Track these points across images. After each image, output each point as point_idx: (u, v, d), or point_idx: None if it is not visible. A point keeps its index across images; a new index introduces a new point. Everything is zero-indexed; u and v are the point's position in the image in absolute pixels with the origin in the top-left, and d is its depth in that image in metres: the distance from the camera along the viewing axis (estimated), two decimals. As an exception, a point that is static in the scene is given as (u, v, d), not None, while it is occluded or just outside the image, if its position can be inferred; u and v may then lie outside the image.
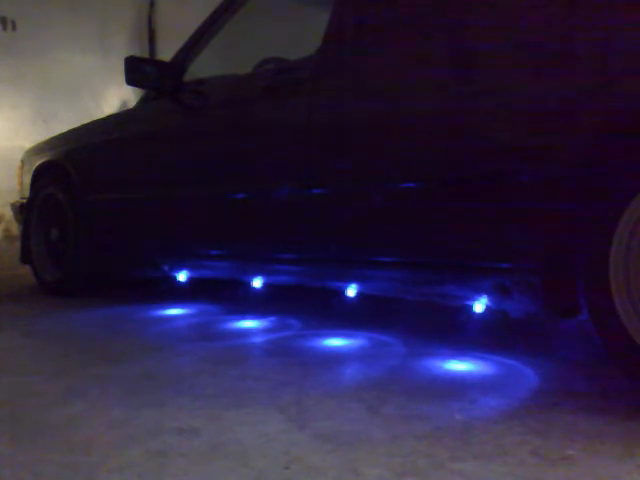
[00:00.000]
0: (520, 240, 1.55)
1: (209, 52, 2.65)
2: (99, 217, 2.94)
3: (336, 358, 1.87)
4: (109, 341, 2.17)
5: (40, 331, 2.36)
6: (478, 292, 1.73)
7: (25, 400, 1.52)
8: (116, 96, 5.47)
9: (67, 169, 3.06)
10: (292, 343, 2.06)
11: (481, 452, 1.15)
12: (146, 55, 5.48)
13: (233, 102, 2.36)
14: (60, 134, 3.36)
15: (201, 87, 2.52)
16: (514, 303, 1.63)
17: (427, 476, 1.06)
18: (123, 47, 5.43)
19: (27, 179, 3.37)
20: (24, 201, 3.39)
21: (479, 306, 1.79)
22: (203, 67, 2.69)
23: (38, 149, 3.42)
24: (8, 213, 4.27)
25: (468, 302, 1.82)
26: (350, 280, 2.11)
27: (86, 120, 3.47)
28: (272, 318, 2.47)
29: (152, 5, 5.69)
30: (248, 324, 2.41)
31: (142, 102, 2.90)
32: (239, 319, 2.47)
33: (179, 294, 2.99)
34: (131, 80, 2.52)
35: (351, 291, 2.15)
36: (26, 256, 3.29)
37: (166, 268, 2.82)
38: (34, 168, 3.30)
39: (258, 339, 2.18)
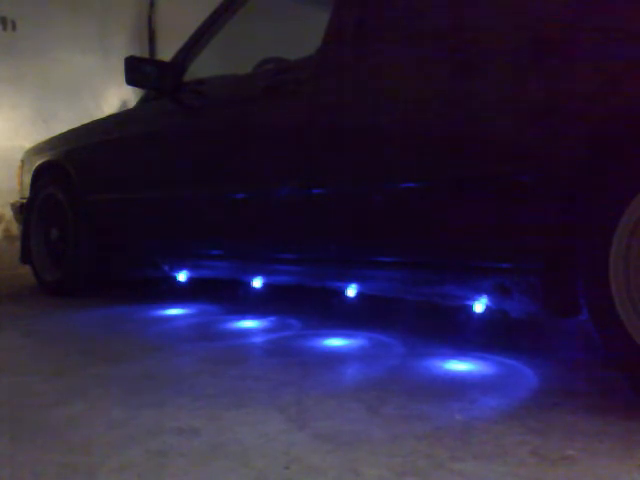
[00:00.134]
0: (520, 240, 1.55)
1: (209, 52, 2.65)
2: (99, 217, 2.94)
3: (336, 358, 1.87)
4: (109, 341, 2.17)
5: (40, 331, 2.36)
6: (478, 292, 1.73)
7: (25, 400, 1.52)
8: (116, 96, 5.47)
9: (67, 169, 3.06)
10: (292, 343, 2.06)
11: (481, 452, 1.15)
12: (146, 55, 5.47)
13: (233, 102, 2.36)
14: (60, 134, 3.36)
15: (201, 87, 2.52)
16: (514, 303, 1.63)
17: (427, 476, 1.06)
18: (123, 47, 5.43)
19: (27, 179, 3.37)
20: (24, 201, 3.39)
21: (479, 306, 1.79)
22: (203, 67, 2.69)
23: (38, 149, 3.42)
24: (8, 213, 4.27)
25: (468, 302, 1.82)
26: (350, 280, 2.11)
27: (86, 120, 3.47)
28: (272, 318, 2.47)
29: (152, 5, 5.68)
30: (248, 324, 2.41)
31: (142, 102, 2.90)
32: (239, 319, 2.47)
33: (179, 294, 2.99)
34: (131, 80, 2.52)
35: (351, 291, 2.15)
36: (26, 256, 3.29)
37: (166, 268, 2.82)
38: (34, 168, 3.30)
39: (258, 339, 2.18)
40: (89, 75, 5.36)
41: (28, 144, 3.99)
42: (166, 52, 4.43)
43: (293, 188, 2.06)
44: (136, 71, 2.51)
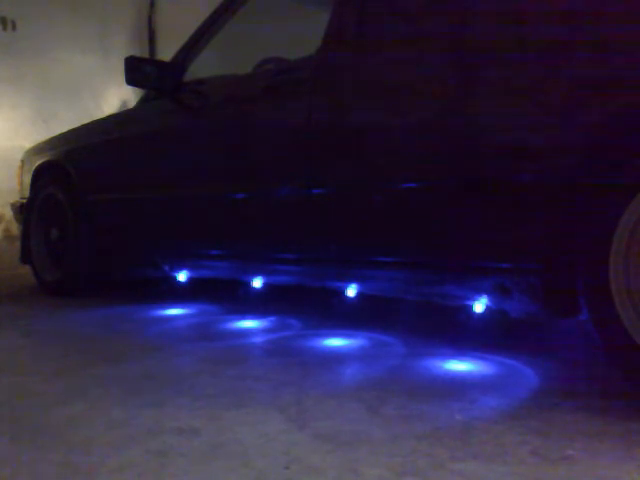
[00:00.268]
0: (520, 240, 1.55)
1: (209, 52, 2.65)
2: (99, 217, 2.94)
3: (336, 358, 1.87)
4: (109, 341, 2.17)
5: (40, 331, 2.36)
6: (478, 292, 1.73)
7: (25, 400, 1.52)
8: (116, 96, 5.47)
9: (67, 169, 3.06)
10: (292, 343, 2.06)
11: (481, 452, 1.15)
12: (146, 55, 5.48)
13: (233, 102, 2.36)
14: (60, 134, 3.36)
15: (201, 87, 2.52)
16: (514, 303, 1.63)
17: (427, 476, 1.06)
18: (123, 47, 5.43)
19: (27, 179, 3.37)
20: (24, 201, 3.39)
21: (479, 306, 1.79)
22: (203, 67, 2.69)
23: (38, 149, 3.42)
24: (8, 213, 4.27)
25: (468, 302, 1.82)
26: (350, 280, 2.11)
27: (86, 120, 3.47)
28: (272, 318, 2.47)
29: (152, 5, 5.69)
30: (248, 324, 2.41)
31: (142, 102, 2.90)
32: (239, 319, 2.47)
33: (179, 294, 2.99)
34: (131, 80, 2.52)
35: (351, 291, 2.15)
36: (26, 256, 3.29)
37: (166, 268, 2.82)
38: (34, 168, 3.30)
39: (258, 339, 2.18)
40: (89, 75, 5.36)
41: (28, 144, 3.99)
42: (166, 52, 4.43)
43: (293, 188, 2.06)
44: (136, 71, 2.51)
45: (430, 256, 1.80)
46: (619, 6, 1.37)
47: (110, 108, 5.33)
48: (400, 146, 1.78)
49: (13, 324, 2.47)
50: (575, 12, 1.45)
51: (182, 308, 2.75)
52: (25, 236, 3.30)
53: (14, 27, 4.95)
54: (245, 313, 2.55)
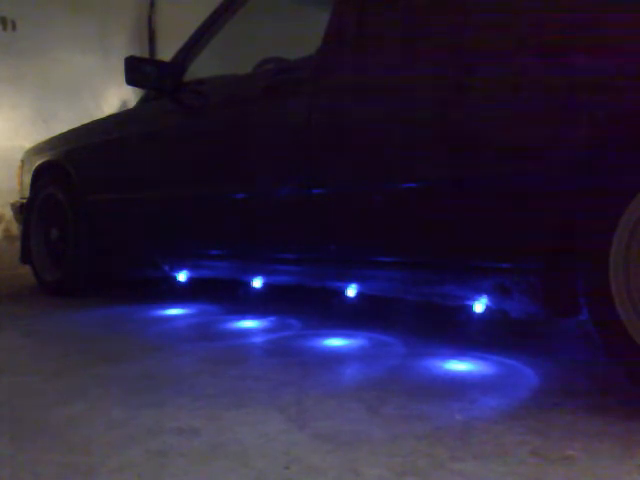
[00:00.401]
0: (520, 240, 1.55)
1: (209, 52, 2.65)
2: (99, 217, 2.94)
3: (336, 358, 1.87)
4: (109, 341, 2.17)
5: (40, 331, 2.36)
6: (478, 292, 1.73)
7: (25, 400, 1.52)
8: (116, 96, 5.47)
9: (67, 169, 3.06)
10: (292, 343, 2.06)
11: (481, 452, 1.15)
12: (146, 55, 5.47)
13: (233, 102, 2.36)
14: (60, 134, 3.36)
15: (201, 87, 2.52)
16: (514, 303, 1.63)
17: (427, 476, 1.06)
18: (123, 47, 5.43)
19: (27, 179, 3.37)
20: (24, 201, 3.39)
21: (479, 306, 1.79)
22: (203, 67, 2.69)
23: (38, 149, 3.42)
24: (8, 213, 4.27)
25: (468, 302, 1.82)
26: (350, 280, 2.11)
27: (86, 120, 3.47)
28: (272, 318, 2.47)
29: (152, 5, 5.68)
30: (248, 324, 2.41)
31: (142, 102, 2.90)
32: (239, 319, 2.47)
33: (179, 294, 2.99)
34: (131, 80, 2.52)
35: (351, 291, 2.15)
36: (26, 256, 3.29)
37: (166, 268, 2.82)
38: (34, 168, 3.30)
39: (258, 339, 2.18)
40: (89, 75, 5.36)
41: (28, 144, 3.99)
42: (166, 52, 4.44)
43: (293, 188, 2.06)
44: (136, 71, 2.51)
45: (430, 256, 1.80)
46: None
47: (110, 108, 5.33)
48: (400, 146, 1.78)
49: (13, 324, 2.47)
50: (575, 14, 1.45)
51: (182, 308, 2.75)
52: (25, 236, 3.30)
53: (14, 27, 4.95)
54: (245, 313, 2.55)
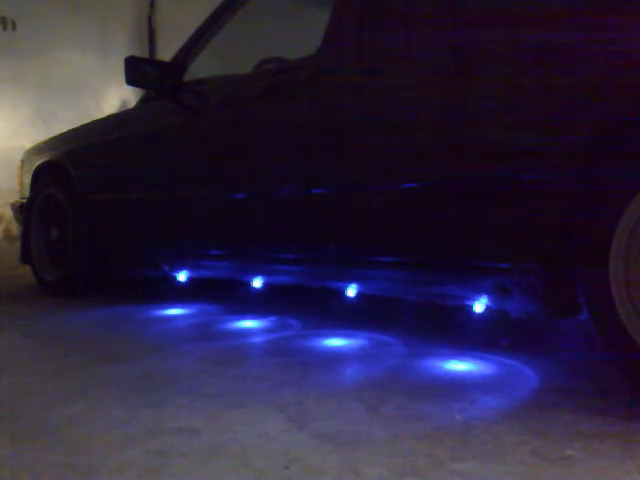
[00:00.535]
0: (520, 240, 1.55)
1: (209, 52, 2.65)
2: (99, 217, 2.94)
3: (336, 358, 1.87)
4: (109, 341, 2.17)
5: (40, 331, 2.36)
6: (478, 292, 1.73)
7: (25, 400, 1.52)
8: (116, 96, 5.47)
9: (67, 169, 3.06)
10: (292, 343, 2.06)
11: (481, 452, 1.15)
12: (146, 55, 5.48)
13: (233, 102, 2.36)
14: (60, 134, 3.36)
15: (201, 87, 2.52)
16: (514, 303, 1.63)
17: (427, 476, 1.06)
18: (123, 47, 5.43)
19: (27, 179, 3.37)
20: (24, 201, 3.38)
21: (479, 306, 1.78)
22: (203, 67, 2.69)
23: (38, 149, 3.42)
24: (8, 213, 4.26)
25: (468, 302, 1.82)
26: (350, 280, 2.11)
27: (86, 120, 3.47)
28: (272, 318, 2.47)
29: (152, 5, 5.68)
30: (248, 324, 2.41)
31: (142, 102, 2.90)
32: (239, 319, 2.47)
33: (179, 294, 2.99)
34: (131, 80, 2.52)
35: (351, 291, 2.15)
36: (26, 256, 3.29)
37: (166, 268, 2.82)
38: (34, 168, 3.30)
39: (258, 339, 2.18)
40: (89, 75, 5.36)
41: (28, 144, 3.99)
42: (166, 52, 4.43)
43: (293, 188, 2.06)
44: (136, 71, 2.51)
45: (430, 256, 1.80)
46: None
47: (110, 108, 5.33)
48: (400, 146, 1.78)
49: (13, 324, 2.47)
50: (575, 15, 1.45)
51: (182, 308, 2.75)
52: (25, 236, 3.30)
53: (14, 27, 4.95)
54: (245, 313, 2.55)
